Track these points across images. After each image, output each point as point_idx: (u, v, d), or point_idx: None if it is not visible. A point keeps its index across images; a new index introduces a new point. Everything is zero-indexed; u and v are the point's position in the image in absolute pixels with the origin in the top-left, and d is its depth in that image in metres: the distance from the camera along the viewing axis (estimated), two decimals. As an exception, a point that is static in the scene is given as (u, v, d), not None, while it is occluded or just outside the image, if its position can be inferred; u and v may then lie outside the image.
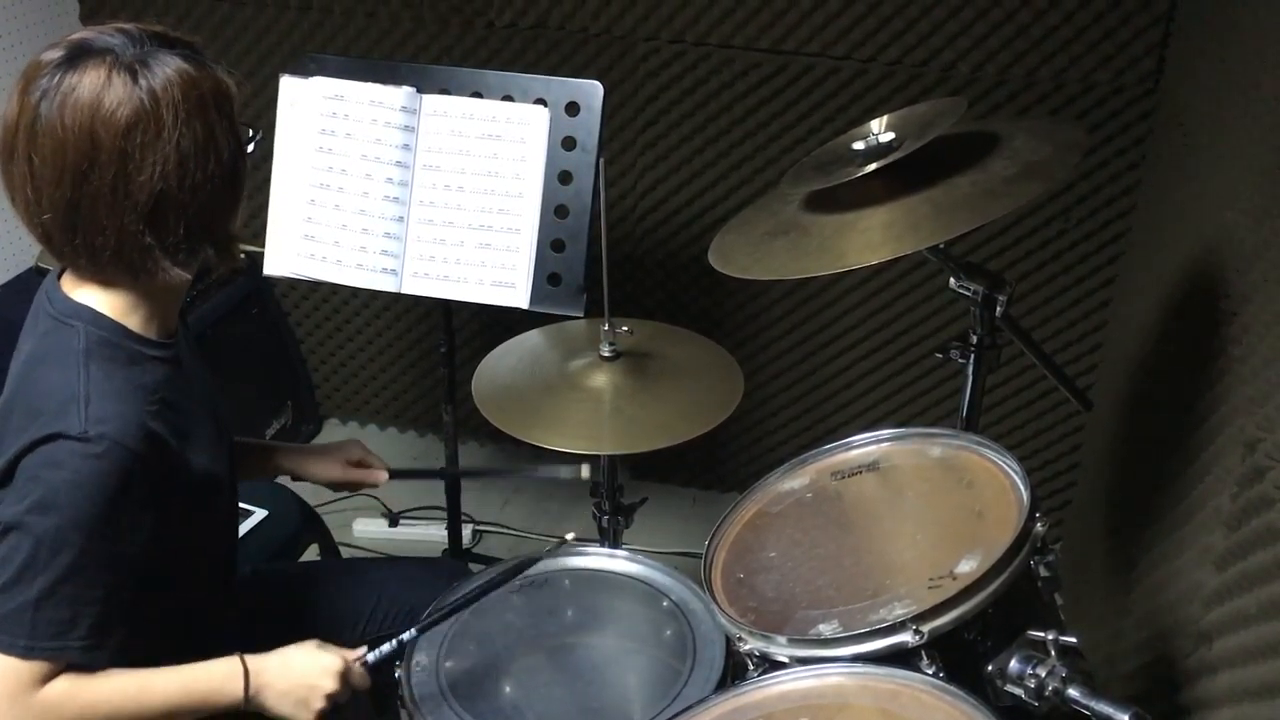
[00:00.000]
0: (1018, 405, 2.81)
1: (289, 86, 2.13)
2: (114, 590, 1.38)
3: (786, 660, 1.42)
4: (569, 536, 1.77)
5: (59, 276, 1.48)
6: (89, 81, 1.33)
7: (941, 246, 1.68)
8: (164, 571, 1.47)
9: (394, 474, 1.95)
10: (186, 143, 1.35)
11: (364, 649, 1.58)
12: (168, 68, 1.35)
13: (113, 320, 1.43)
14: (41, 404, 1.36)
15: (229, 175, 1.42)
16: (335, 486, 1.96)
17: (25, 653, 1.34)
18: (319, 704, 1.50)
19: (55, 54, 1.36)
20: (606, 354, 2.04)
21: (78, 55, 1.35)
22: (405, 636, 1.61)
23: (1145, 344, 2.19)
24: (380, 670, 1.60)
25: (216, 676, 1.47)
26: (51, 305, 1.45)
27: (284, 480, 1.99)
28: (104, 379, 1.38)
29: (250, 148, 1.49)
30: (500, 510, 3.08)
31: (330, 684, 1.50)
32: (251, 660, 1.49)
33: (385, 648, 1.59)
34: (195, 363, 1.62)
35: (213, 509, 1.60)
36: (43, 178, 1.35)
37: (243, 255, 1.69)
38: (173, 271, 1.41)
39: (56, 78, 1.33)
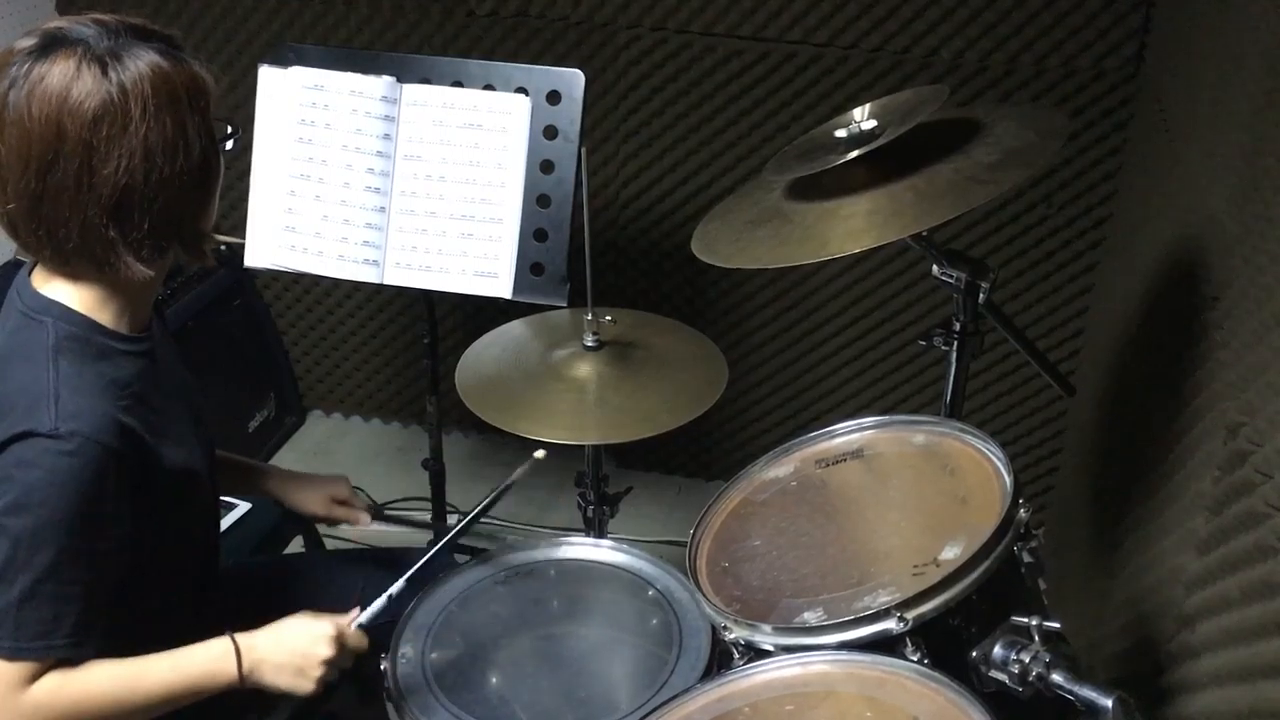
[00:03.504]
0: (1000, 391, 2.82)
1: (268, 77, 2.12)
2: (96, 586, 1.37)
3: (772, 649, 1.43)
4: (539, 454, 1.75)
5: (30, 272, 1.47)
6: (58, 72, 1.31)
7: (924, 234, 1.68)
8: (146, 566, 1.47)
9: (377, 518, 1.94)
10: (154, 137, 1.34)
11: (355, 610, 1.57)
12: (140, 61, 1.34)
13: (83, 315, 1.42)
14: (12, 401, 1.35)
15: (199, 172, 1.40)
16: (315, 520, 1.95)
17: (10, 654, 1.34)
18: (318, 672, 1.48)
19: (28, 43, 1.35)
20: (590, 344, 2.04)
21: (50, 45, 1.34)
22: (394, 590, 1.61)
23: (1127, 329, 2.20)
24: (375, 629, 1.59)
25: (208, 658, 1.46)
26: (21, 301, 1.44)
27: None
28: (74, 375, 1.37)
29: (228, 145, 1.48)
30: (485, 501, 3.07)
31: (326, 650, 1.49)
32: (242, 638, 1.48)
33: (376, 605, 1.59)
34: (171, 357, 1.61)
35: (192, 503, 1.59)
36: (8, 167, 1.34)
37: (224, 248, 1.67)
38: (136, 267, 1.39)
39: (27, 66, 1.32)
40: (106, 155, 1.33)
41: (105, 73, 1.32)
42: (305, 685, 1.49)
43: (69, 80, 1.31)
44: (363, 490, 2.01)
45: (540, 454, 1.74)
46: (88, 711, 1.39)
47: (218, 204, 1.50)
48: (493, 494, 1.73)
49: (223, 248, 2.00)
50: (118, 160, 1.33)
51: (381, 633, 1.62)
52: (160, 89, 1.35)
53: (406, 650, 1.68)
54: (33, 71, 1.32)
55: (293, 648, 1.49)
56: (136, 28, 1.38)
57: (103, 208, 1.34)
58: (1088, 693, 1.28)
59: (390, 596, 1.61)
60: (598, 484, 2.23)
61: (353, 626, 1.56)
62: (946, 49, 2.52)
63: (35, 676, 1.36)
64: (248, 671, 1.47)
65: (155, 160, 1.35)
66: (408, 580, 1.64)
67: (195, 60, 1.41)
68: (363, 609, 1.58)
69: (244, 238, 2.16)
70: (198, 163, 1.40)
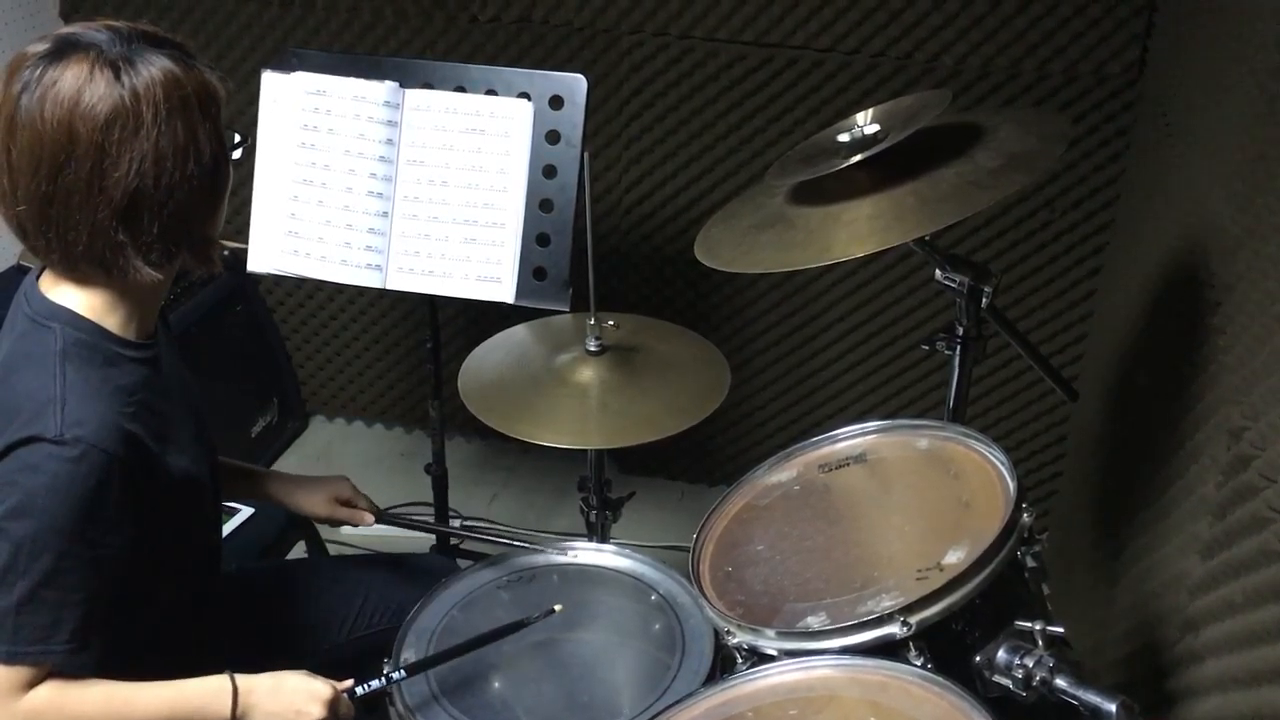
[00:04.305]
0: (1003, 396, 2.82)
1: (271, 82, 2.12)
2: (96, 593, 1.37)
3: (775, 653, 1.42)
4: (558, 608, 1.73)
5: (38, 277, 1.47)
6: (71, 76, 1.32)
7: (927, 238, 1.68)
8: (147, 572, 1.47)
9: (380, 518, 1.94)
10: (165, 142, 1.35)
11: (351, 681, 1.57)
12: (152, 66, 1.35)
13: (90, 321, 1.42)
14: (18, 407, 1.35)
15: (209, 177, 1.41)
16: (319, 521, 1.96)
17: (7, 658, 1.34)
18: None
19: (41, 47, 1.36)
20: (592, 348, 2.04)
21: (63, 50, 1.34)
22: (395, 676, 1.61)
23: (1130, 334, 2.20)
24: (367, 704, 1.59)
25: (205, 693, 1.46)
26: (29, 306, 1.44)
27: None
28: (81, 381, 1.37)
29: (236, 154, 1.49)
30: (487, 506, 3.07)
31: (318, 710, 1.49)
32: (241, 679, 1.48)
33: (374, 684, 1.59)
34: (176, 364, 1.62)
35: (194, 510, 1.59)
36: (19, 169, 1.34)
37: (225, 254, 1.68)
38: (144, 271, 1.40)
39: (39, 71, 1.33)
40: (118, 158, 1.33)
41: (118, 77, 1.33)
42: None
43: (82, 84, 1.32)
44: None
45: (559, 608, 1.72)
46: None
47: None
48: (499, 629, 1.69)
49: (226, 253, 2.00)
50: (129, 163, 1.33)
51: (371, 706, 1.62)
52: (172, 94, 1.35)
53: (409, 656, 1.67)
54: (45, 75, 1.33)
55: (289, 702, 1.49)
56: (149, 35, 1.39)
57: (113, 210, 1.35)
58: (1091, 697, 1.28)
59: (388, 679, 1.60)
60: (600, 489, 2.23)
61: (346, 695, 1.55)
62: (949, 54, 2.52)
63: (32, 683, 1.36)
64: (240, 713, 1.47)
65: (166, 164, 1.35)
66: (410, 670, 1.63)
67: (207, 68, 1.42)
68: (357, 683, 1.58)
69: (247, 243, 2.16)
70: (208, 168, 1.40)
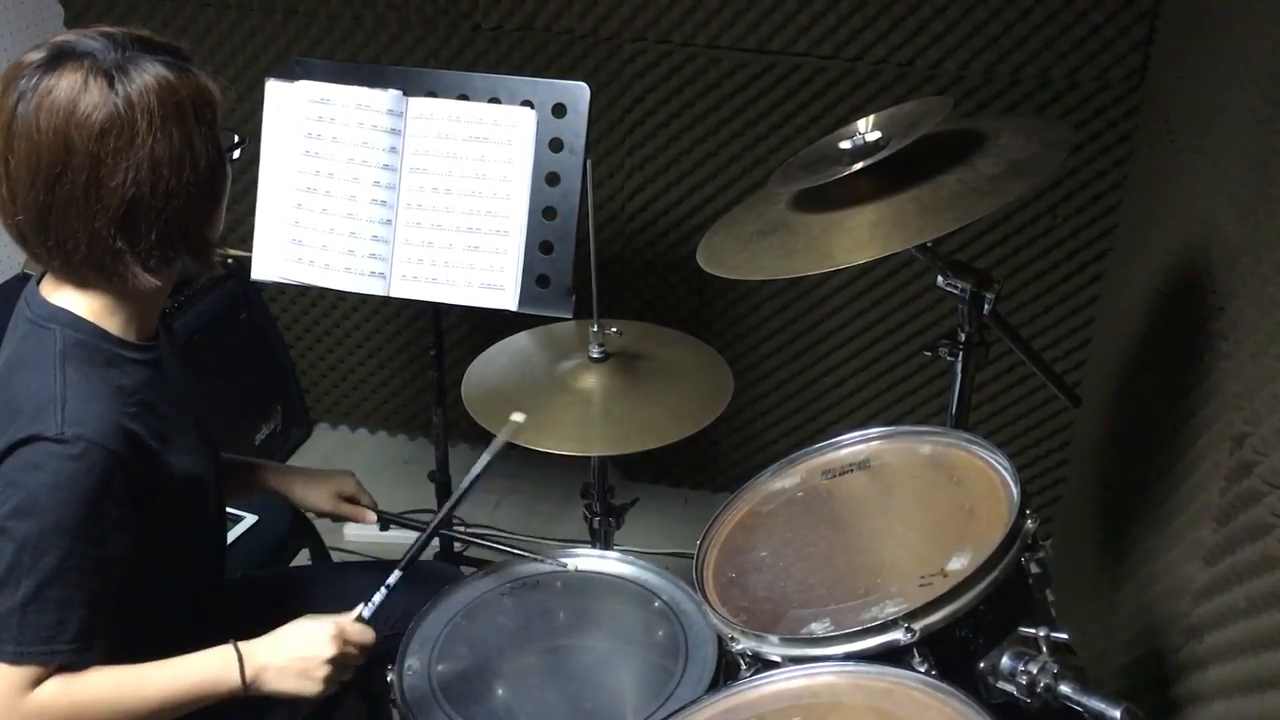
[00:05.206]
0: (1006, 402, 2.81)
1: (275, 91, 2.13)
2: (100, 592, 1.38)
3: (779, 659, 1.42)
4: (517, 417, 1.72)
5: (38, 281, 1.48)
6: (66, 85, 1.33)
7: (929, 245, 1.68)
8: (151, 574, 1.47)
9: (381, 517, 1.94)
10: (161, 149, 1.35)
11: (360, 606, 1.57)
12: (146, 73, 1.35)
13: (90, 323, 1.43)
14: (19, 407, 1.36)
15: (206, 183, 1.41)
16: (321, 516, 1.95)
17: (14, 658, 1.34)
18: (322, 671, 1.49)
19: (36, 56, 1.36)
20: (595, 355, 2.04)
21: (58, 58, 1.35)
22: (391, 580, 1.61)
23: (1133, 340, 2.20)
24: (381, 640, 1.58)
25: (212, 665, 1.47)
26: (30, 309, 1.45)
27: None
28: (81, 381, 1.38)
29: (235, 155, 1.49)
30: (491, 513, 3.07)
31: (329, 648, 1.49)
32: (244, 645, 1.48)
33: (377, 597, 1.59)
34: (177, 367, 1.62)
35: (197, 512, 1.59)
36: (17, 179, 1.35)
37: (229, 260, 1.68)
38: (143, 277, 1.40)
39: (35, 79, 1.34)
40: (114, 167, 1.34)
41: (112, 85, 1.33)
42: (311, 687, 1.49)
43: (76, 93, 1.32)
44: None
45: (519, 417, 1.71)
46: (89, 717, 1.40)
47: (225, 215, 1.51)
48: (478, 465, 1.71)
49: (230, 260, 2.01)
50: (125, 172, 1.34)
51: (387, 644, 1.62)
52: (166, 101, 1.36)
53: (413, 662, 1.68)
54: (41, 84, 1.33)
55: (294, 650, 1.49)
56: (143, 40, 1.39)
57: (110, 219, 1.35)
58: (1095, 703, 1.28)
59: (388, 586, 1.60)
60: (604, 496, 2.23)
61: (356, 621, 1.55)
62: (951, 61, 2.53)
63: (38, 681, 1.36)
64: (251, 678, 1.47)
65: (162, 172, 1.36)
66: (404, 568, 1.63)
67: (203, 71, 1.42)
68: (364, 605, 1.58)
69: (251, 250, 2.16)
70: (204, 174, 1.41)
